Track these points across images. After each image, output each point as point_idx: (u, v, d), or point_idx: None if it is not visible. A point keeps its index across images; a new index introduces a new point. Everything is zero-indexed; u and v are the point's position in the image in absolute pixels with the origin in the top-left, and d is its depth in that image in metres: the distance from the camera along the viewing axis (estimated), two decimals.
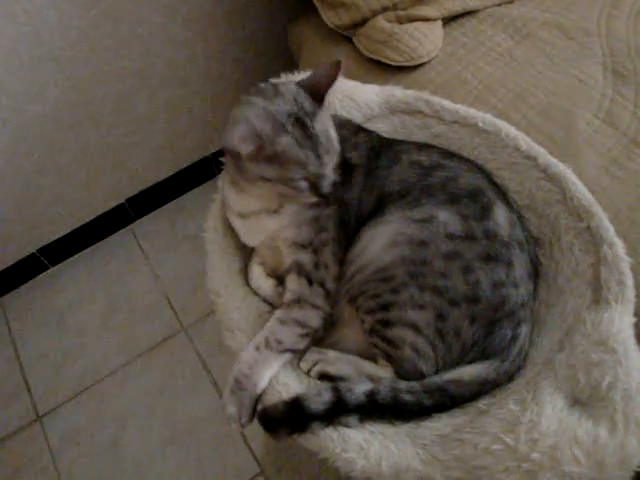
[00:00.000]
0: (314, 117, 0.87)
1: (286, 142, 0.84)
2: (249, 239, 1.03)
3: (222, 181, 1.08)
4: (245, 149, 0.83)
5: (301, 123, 0.86)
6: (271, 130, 0.84)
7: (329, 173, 0.90)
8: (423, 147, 1.02)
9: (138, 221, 2.21)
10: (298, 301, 0.92)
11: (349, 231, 0.96)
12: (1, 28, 1.43)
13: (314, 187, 0.89)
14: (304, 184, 0.88)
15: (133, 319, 1.97)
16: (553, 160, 1.02)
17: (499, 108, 1.23)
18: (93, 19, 1.55)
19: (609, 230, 0.93)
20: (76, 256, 2.15)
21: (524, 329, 0.89)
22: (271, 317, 0.93)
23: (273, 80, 0.97)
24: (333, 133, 0.90)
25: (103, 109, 1.78)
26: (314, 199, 0.91)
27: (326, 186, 0.90)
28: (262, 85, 0.92)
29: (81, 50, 1.60)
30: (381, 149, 1.01)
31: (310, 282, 0.93)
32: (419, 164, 0.97)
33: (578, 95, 1.24)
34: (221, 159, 1.13)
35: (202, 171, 2.20)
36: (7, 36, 1.46)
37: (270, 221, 0.97)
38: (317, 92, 0.89)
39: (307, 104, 0.88)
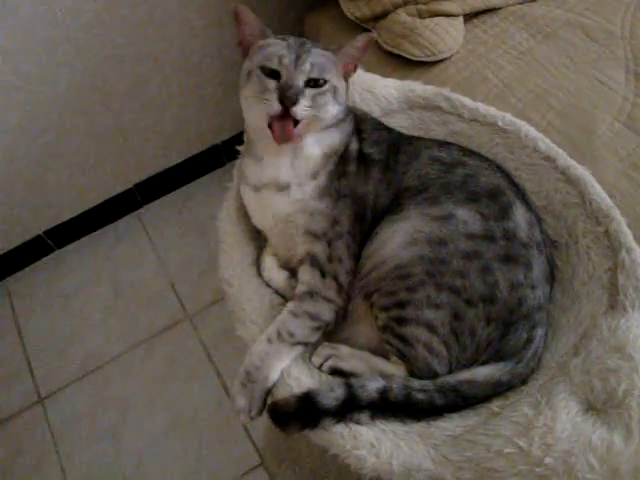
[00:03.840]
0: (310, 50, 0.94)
1: (274, 39, 0.95)
2: (260, 218, 1.02)
3: (241, 157, 1.09)
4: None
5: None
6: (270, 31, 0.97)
7: (300, 86, 0.90)
8: (444, 144, 1.02)
9: (145, 207, 2.20)
10: (311, 294, 0.91)
11: (365, 225, 0.96)
12: (17, 7, 1.42)
13: (281, 93, 0.89)
14: (272, 84, 0.91)
15: (138, 305, 1.96)
16: (572, 162, 1.01)
17: (519, 108, 1.22)
18: (109, 2, 1.54)
19: (627, 235, 0.93)
20: (82, 240, 2.14)
21: (539, 332, 0.89)
22: (283, 309, 0.93)
23: None
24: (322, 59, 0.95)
25: (115, 93, 1.77)
26: (276, 106, 0.90)
27: (292, 96, 0.89)
28: None
29: (96, 33, 1.58)
30: (401, 145, 1.00)
31: (323, 275, 0.92)
32: (440, 160, 0.97)
33: (599, 97, 1.23)
34: (237, 147, 1.13)
35: (212, 159, 2.19)
36: (22, 15, 1.44)
37: (279, 200, 0.96)
38: None
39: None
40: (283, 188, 0.95)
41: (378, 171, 0.98)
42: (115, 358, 1.86)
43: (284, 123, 0.89)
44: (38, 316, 1.98)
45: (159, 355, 1.85)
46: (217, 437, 1.67)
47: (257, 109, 0.92)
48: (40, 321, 1.97)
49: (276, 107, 0.89)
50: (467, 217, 0.88)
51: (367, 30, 1.44)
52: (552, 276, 0.95)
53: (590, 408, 0.81)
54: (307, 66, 0.91)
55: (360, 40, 0.97)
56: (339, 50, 0.97)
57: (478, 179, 0.93)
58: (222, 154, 2.18)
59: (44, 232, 2.03)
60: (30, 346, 1.92)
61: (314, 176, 0.95)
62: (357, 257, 0.95)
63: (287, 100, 0.88)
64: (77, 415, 1.77)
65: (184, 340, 1.86)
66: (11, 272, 2.08)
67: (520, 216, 0.91)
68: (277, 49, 0.92)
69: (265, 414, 0.87)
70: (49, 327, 1.95)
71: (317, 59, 0.92)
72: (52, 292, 2.03)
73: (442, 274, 0.85)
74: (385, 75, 1.20)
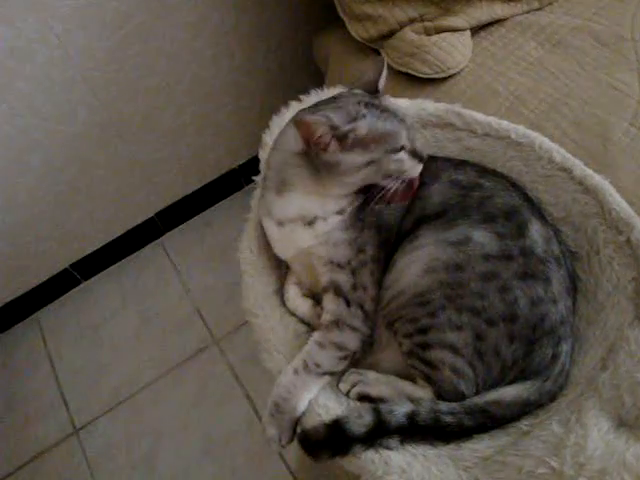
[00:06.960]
0: (379, 99, 0.92)
1: (367, 122, 0.86)
2: (282, 250, 1.01)
3: (260, 189, 1.07)
4: (319, 136, 0.84)
5: (371, 104, 0.89)
6: (347, 119, 0.85)
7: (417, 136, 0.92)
8: (459, 164, 1.01)
9: (168, 234, 2.24)
10: (337, 323, 0.91)
11: (388, 250, 0.95)
12: (35, 53, 1.47)
13: (413, 153, 0.90)
14: (405, 155, 0.89)
15: (165, 332, 1.99)
16: (589, 172, 1.00)
17: (531, 119, 1.21)
18: (121, 39, 1.58)
19: None
20: (107, 270, 2.19)
21: (565, 347, 0.88)
22: (309, 339, 0.92)
23: None
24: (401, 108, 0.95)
25: (131, 126, 1.81)
26: (419, 167, 0.92)
27: (421, 148, 0.91)
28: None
29: (109, 70, 1.62)
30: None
31: (348, 303, 0.92)
32: (459, 184, 0.96)
33: (613, 103, 1.21)
34: (253, 178, 1.14)
35: (230, 183, 2.22)
36: (40, 60, 1.49)
37: (304, 233, 0.95)
38: (370, 86, 0.96)
39: (366, 94, 0.94)
40: (309, 223, 0.94)
41: None
42: (146, 386, 1.88)
43: None
44: (69, 348, 2.02)
45: (189, 381, 1.87)
46: (250, 460, 1.68)
47: None
48: (71, 353, 2.01)
49: (419, 167, 0.95)
50: (483, 238, 0.88)
51: (375, 50, 1.46)
52: (574, 288, 0.94)
53: (622, 424, 0.79)
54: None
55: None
56: None
57: (494, 200, 0.93)
58: (240, 178, 2.21)
59: (70, 265, 2.07)
60: (63, 378, 1.96)
61: (341, 212, 0.94)
62: (381, 283, 0.95)
63: (423, 153, 0.95)
64: (112, 444, 1.80)
65: (213, 365, 1.88)
66: (41, 306, 2.13)
67: (536, 232, 0.90)
68: None
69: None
70: (80, 358, 1.99)
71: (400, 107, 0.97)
72: (81, 323, 2.08)
73: (461, 297, 0.85)
74: (396, 95, 1.19)
